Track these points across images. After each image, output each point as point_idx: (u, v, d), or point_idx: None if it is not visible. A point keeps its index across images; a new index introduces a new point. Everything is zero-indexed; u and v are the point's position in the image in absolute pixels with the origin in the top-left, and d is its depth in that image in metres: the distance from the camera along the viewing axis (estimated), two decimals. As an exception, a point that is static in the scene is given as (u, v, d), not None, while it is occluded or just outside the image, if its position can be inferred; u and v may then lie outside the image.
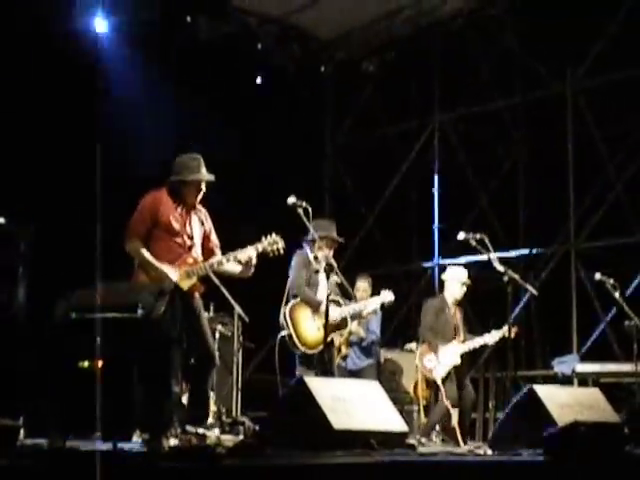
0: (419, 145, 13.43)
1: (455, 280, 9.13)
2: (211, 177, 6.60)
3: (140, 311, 4.95)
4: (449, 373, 8.82)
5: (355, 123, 14.03)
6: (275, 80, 12.91)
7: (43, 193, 9.72)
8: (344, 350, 9.21)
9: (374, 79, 13.74)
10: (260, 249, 6.58)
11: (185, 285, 6.37)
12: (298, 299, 7.74)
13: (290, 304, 7.70)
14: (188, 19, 11.98)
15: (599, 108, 11.84)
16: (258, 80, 13.01)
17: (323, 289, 7.70)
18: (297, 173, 12.14)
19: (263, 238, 6.64)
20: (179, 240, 6.46)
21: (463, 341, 8.94)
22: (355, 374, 9.28)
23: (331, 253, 7.67)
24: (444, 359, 8.82)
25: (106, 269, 5.93)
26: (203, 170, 6.57)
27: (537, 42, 12.02)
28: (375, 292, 8.61)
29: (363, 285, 9.46)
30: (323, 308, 7.37)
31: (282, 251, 6.71)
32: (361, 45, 13.39)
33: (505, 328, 8.50)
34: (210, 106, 11.60)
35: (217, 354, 9.03)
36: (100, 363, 4.84)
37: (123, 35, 11.07)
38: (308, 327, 7.63)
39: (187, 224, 6.52)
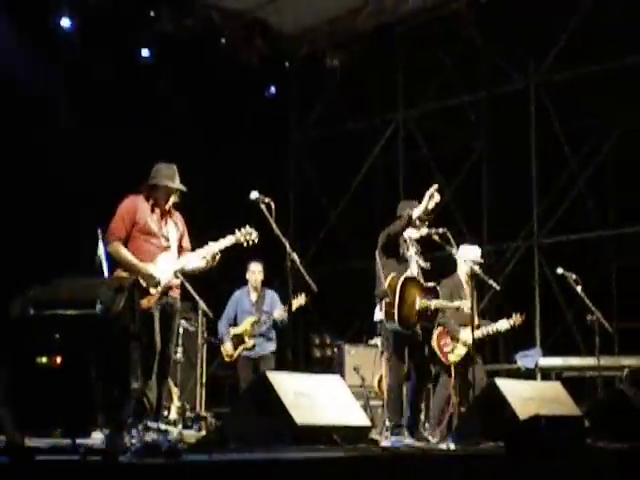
0: (383, 140, 13.44)
1: (467, 258, 8.40)
2: (181, 187, 6.79)
3: (99, 307, 4.92)
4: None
5: (319, 118, 14.01)
6: (239, 75, 12.84)
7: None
8: (248, 341, 9.33)
9: (338, 74, 13.73)
10: (234, 240, 6.75)
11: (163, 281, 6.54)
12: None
13: (405, 275, 7.33)
14: (152, 13, 11.90)
15: (562, 103, 11.91)
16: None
17: None
18: (261, 168, 12.10)
19: (237, 230, 6.78)
20: (156, 241, 6.68)
21: (478, 326, 8.37)
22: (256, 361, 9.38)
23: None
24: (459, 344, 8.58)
25: (65, 265, 5.91)
26: (176, 180, 6.77)
27: (500, 37, 12.06)
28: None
29: (258, 268, 9.54)
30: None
31: (256, 241, 6.85)
32: (325, 40, 13.39)
33: (515, 317, 8.58)
34: (173, 101, 11.57)
35: (180, 349, 9.14)
36: (59, 359, 4.80)
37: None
38: (411, 306, 7.33)
39: (163, 226, 6.75)
